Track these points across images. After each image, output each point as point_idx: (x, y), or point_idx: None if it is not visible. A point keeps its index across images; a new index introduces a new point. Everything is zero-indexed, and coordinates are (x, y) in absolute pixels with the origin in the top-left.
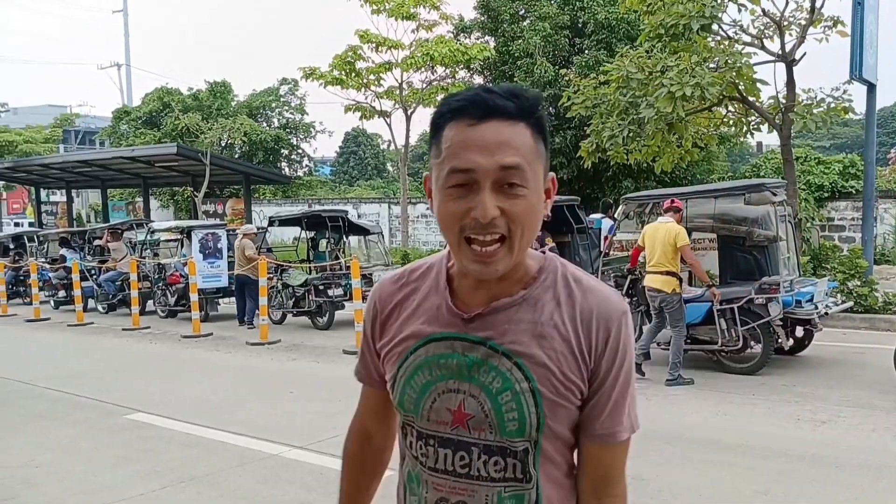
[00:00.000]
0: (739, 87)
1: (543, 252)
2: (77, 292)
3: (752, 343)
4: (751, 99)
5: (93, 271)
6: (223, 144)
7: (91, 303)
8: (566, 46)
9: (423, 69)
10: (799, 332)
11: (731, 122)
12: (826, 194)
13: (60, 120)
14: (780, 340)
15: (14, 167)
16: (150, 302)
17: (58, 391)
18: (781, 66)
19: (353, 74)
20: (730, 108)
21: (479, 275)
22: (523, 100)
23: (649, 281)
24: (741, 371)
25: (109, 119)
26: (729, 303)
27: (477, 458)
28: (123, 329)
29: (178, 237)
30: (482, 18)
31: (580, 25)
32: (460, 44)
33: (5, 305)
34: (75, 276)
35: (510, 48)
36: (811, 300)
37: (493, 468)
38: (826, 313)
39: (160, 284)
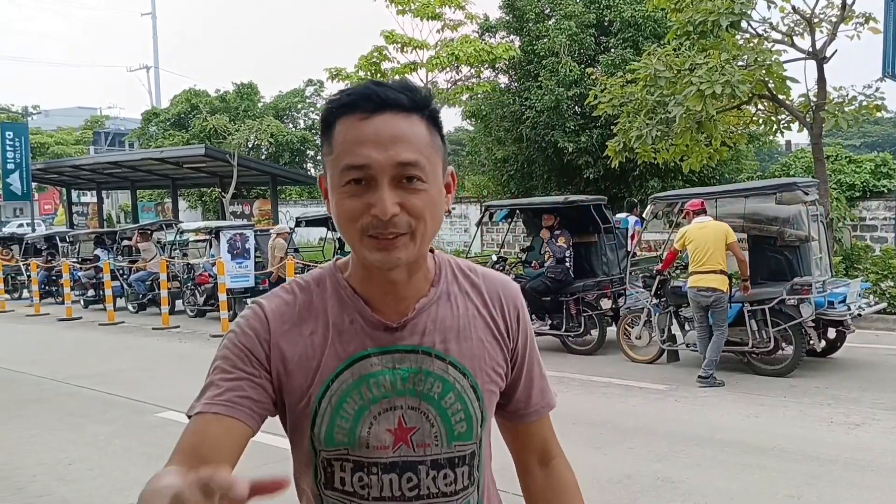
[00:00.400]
0: (769, 85)
1: (564, 252)
2: (108, 292)
3: (784, 345)
4: (780, 97)
5: (122, 271)
6: (250, 146)
7: (119, 302)
8: (592, 45)
9: (448, 69)
10: (831, 333)
11: (760, 120)
12: (857, 193)
13: (91, 122)
14: (811, 342)
15: (46, 168)
16: (179, 301)
17: (90, 389)
18: (812, 64)
19: (379, 75)
20: (759, 106)
21: (382, 264)
22: (416, 92)
23: (703, 281)
24: (772, 373)
25: (139, 121)
26: (760, 304)
27: (425, 475)
28: (153, 328)
29: (207, 237)
30: (507, 18)
31: (606, 24)
32: (485, 43)
33: (38, 305)
34: (106, 276)
35: (535, 47)
36: (844, 301)
37: (443, 482)
38: (859, 314)
39: (189, 284)
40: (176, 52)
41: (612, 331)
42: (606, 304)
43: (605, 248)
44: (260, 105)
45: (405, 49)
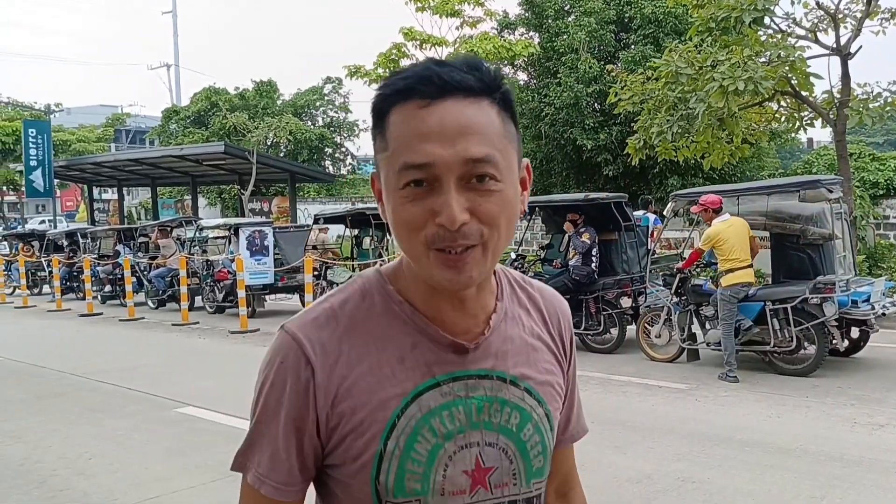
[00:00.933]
0: (792, 82)
1: (589, 248)
2: (129, 288)
3: (806, 344)
4: (804, 94)
5: (142, 267)
6: (269, 143)
7: (136, 297)
8: (612, 42)
9: None
10: (854, 333)
11: (782, 117)
12: (881, 191)
13: (112, 119)
14: (834, 341)
15: (68, 166)
16: (198, 298)
17: (110, 384)
18: (836, 60)
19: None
20: (782, 102)
21: (451, 284)
22: (485, 72)
23: (741, 277)
24: (794, 373)
25: (159, 118)
26: (782, 303)
27: None
28: (173, 324)
29: (226, 234)
30: (526, 14)
31: (626, 20)
32: (504, 40)
33: (60, 300)
34: (127, 273)
35: (554, 44)
36: (868, 300)
37: None
38: (883, 314)
39: (208, 281)
40: (196, 50)
41: (631, 329)
42: (626, 302)
43: (626, 246)
44: (279, 103)
45: (424, 46)
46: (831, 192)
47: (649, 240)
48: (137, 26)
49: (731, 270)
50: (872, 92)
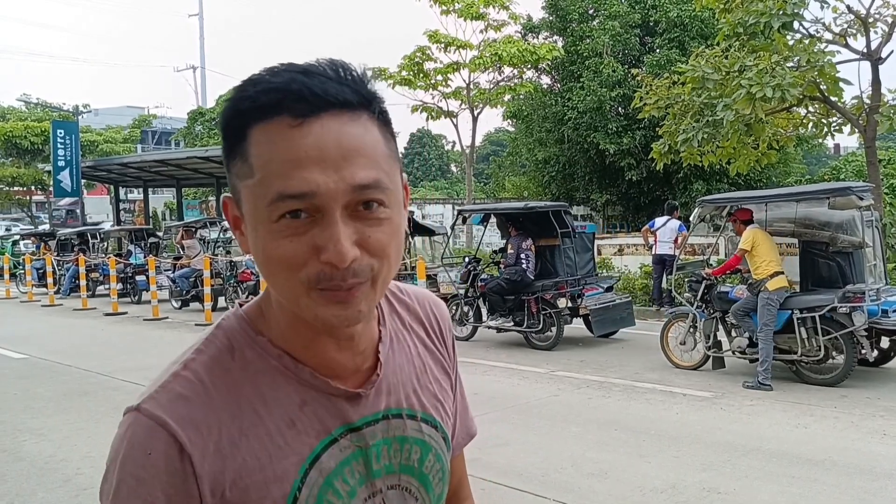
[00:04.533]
0: (821, 87)
1: (518, 254)
2: (153, 287)
3: (834, 353)
4: (833, 99)
5: (159, 266)
6: None
7: (144, 296)
8: (636, 45)
9: (490, 69)
10: (885, 342)
11: (810, 122)
12: None
13: (138, 121)
14: (864, 351)
15: (95, 166)
16: (221, 298)
17: (134, 384)
18: (866, 65)
19: (421, 75)
20: (810, 108)
21: (338, 321)
22: (359, 80)
23: (781, 282)
24: (821, 382)
25: (185, 120)
26: (810, 311)
27: None
28: (196, 324)
29: None
30: (550, 18)
31: (651, 24)
32: (528, 44)
33: (85, 299)
34: (152, 272)
35: (578, 48)
36: None
37: None
38: None
39: (232, 281)
40: (222, 52)
41: (569, 328)
42: (572, 303)
43: (568, 250)
44: None
45: (448, 49)
46: (862, 199)
47: (673, 244)
48: (164, 29)
49: (775, 274)
50: None
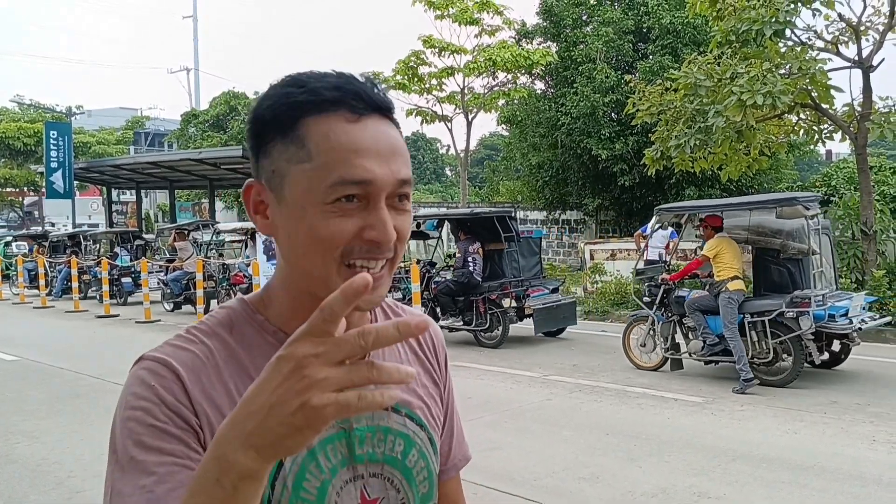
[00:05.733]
0: (812, 95)
1: (465, 257)
2: (145, 290)
3: (784, 356)
4: (824, 106)
5: (154, 269)
6: None
7: (130, 298)
8: (630, 52)
9: (484, 74)
10: (836, 345)
11: (801, 129)
12: None
13: (131, 122)
14: (811, 354)
15: (87, 167)
16: (214, 301)
17: None
18: (857, 73)
19: (416, 79)
20: (801, 115)
21: (363, 304)
22: (387, 94)
23: (739, 285)
24: (772, 383)
25: (178, 122)
26: (760, 315)
27: None
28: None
29: (243, 238)
30: (544, 24)
31: (644, 30)
32: (522, 49)
33: (77, 301)
34: (144, 275)
35: (572, 53)
36: (846, 314)
37: None
38: (860, 328)
39: (224, 284)
40: (216, 54)
41: (514, 327)
42: (517, 303)
43: (517, 254)
44: None
45: (443, 54)
46: (808, 208)
47: (664, 251)
48: (158, 30)
49: (735, 278)
50: (894, 105)
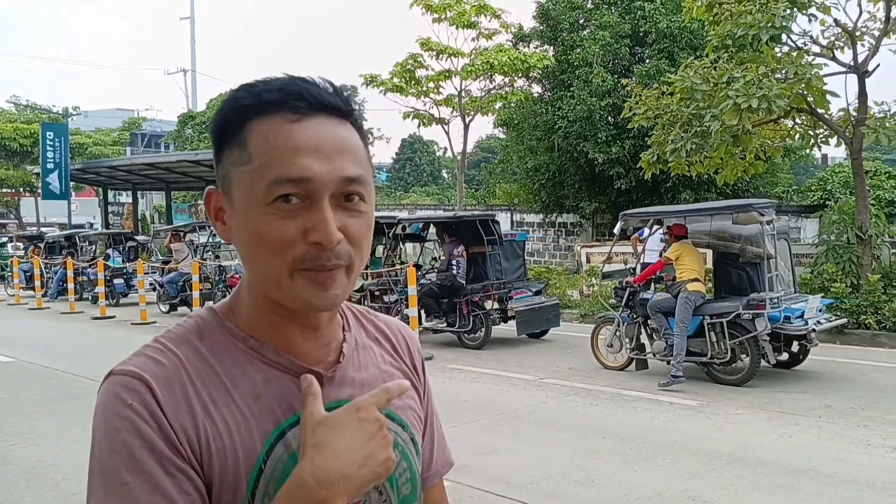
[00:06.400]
0: (808, 99)
1: (449, 260)
2: (142, 291)
3: (742, 356)
4: (820, 111)
5: (126, 270)
6: None
7: (122, 299)
8: (626, 55)
9: (481, 77)
10: (795, 346)
11: (797, 134)
12: None
13: (128, 123)
14: (768, 355)
15: (84, 168)
16: (209, 302)
17: None
18: (853, 78)
19: (413, 82)
20: (797, 120)
21: (319, 303)
22: (343, 95)
23: (698, 287)
24: (730, 382)
25: (175, 123)
26: (719, 317)
27: None
28: None
29: None
30: (541, 27)
31: (641, 34)
32: (519, 52)
33: (73, 303)
34: (140, 276)
35: (569, 57)
36: (801, 316)
37: None
38: (814, 330)
39: (220, 286)
40: (213, 56)
41: (496, 329)
42: (500, 305)
43: (500, 257)
44: None
45: (440, 57)
46: (763, 214)
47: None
48: (155, 31)
49: (694, 280)
50: (889, 110)
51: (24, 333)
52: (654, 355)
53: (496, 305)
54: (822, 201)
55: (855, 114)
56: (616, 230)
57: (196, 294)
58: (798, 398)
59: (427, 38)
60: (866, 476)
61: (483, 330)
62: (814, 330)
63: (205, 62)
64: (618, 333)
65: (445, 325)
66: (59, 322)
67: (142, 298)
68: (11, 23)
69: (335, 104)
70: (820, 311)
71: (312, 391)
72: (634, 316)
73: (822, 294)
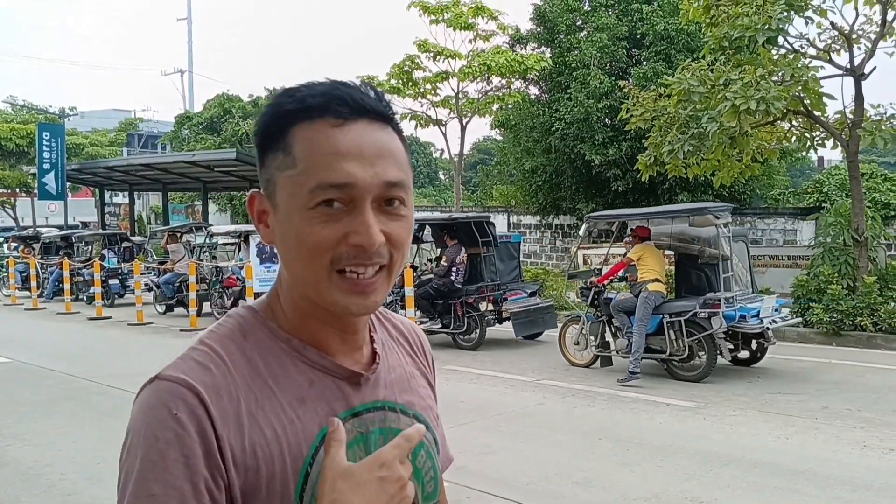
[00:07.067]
0: (805, 102)
1: (453, 270)
2: (138, 292)
3: (699, 353)
4: (816, 113)
5: (121, 270)
6: None
7: (117, 299)
8: (623, 57)
9: (479, 79)
10: (754, 344)
11: (794, 136)
12: (893, 212)
13: (125, 124)
14: (723, 351)
15: (80, 169)
16: (206, 304)
17: (120, 389)
18: (849, 81)
19: (411, 83)
20: (793, 122)
21: (358, 309)
22: (384, 99)
23: (658, 287)
24: (688, 378)
25: (172, 124)
26: (678, 315)
27: None
28: (181, 330)
29: (236, 241)
30: (539, 29)
31: (638, 36)
32: (517, 54)
33: (69, 303)
34: (137, 277)
35: (566, 59)
36: (757, 315)
37: None
38: (768, 328)
39: (217, 287)
40: (210, 57)
41: (491, 330)
42: (495, 307)
43: (493, 258)
44: None
45: (437, 58)
46: (718, 217)
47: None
48: (152, 32)
49: (655, 280)
50: (886, 113)
51: (20, 334)
52: (617, 353)
53: (491, 307)
54: (818, 204)
55: (851, 116)
56: (581, 233)
57: (193, 295)
58: (795, 400)
59: (424, 40)
60: (863, 477)
61: (478, 331)
62: (768, 328)
63: (202, 63)
64: (583, 331)
65: (440, 326)
66: (56, 323)
67: (138, 299)
68: (9, 23)
69: (377, 109)
70: (776, 310)
71: (338, 437)
72: (599, 315)
73: (819, 295)
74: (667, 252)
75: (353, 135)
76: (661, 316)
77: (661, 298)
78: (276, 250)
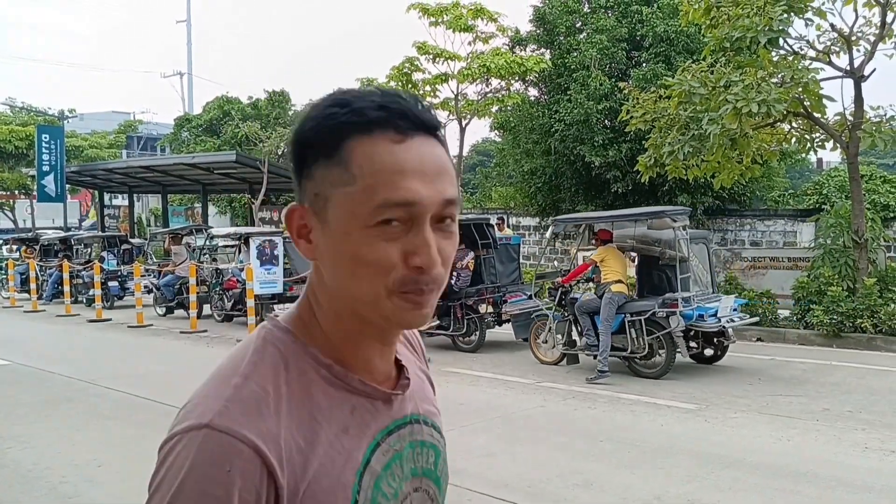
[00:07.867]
0: (805, 103)
1: (453, 273)
2: (138, 294)
3: (659, 351)
4: (816, 115)
5: (120, 273)
6: (280, 153)
7: (116, 301)
8: (623, 59)
9: (478, 81)
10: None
11: (793, 138)
12: (892, 214)
13: (124, 126)
14: (681, 349)
15: (80, 171)
16: (206, 306)
17: (119, 391)
18: (849, 82)
19: (410, 85)
20: (793, 124)
21: (413, 323)
22: (431, 109)
23: (620, 288)
24: (649, 375)
25: (171, 126)
26: (638, 314)
27: None
28: (181, 332)
29: (236, 243)
30: (538, 31)
31: (638, 38)
32: (516, 56)
33: (69, 305)
34: (137, 279)
35: (566, 60)
36: (715, 315)
37: None
38: (724, 328)
39: (217, 289)
40: (209, 59)
41: (491, 332)
42: (495, 309)
43: (494, 260)
44: (291, 113)
45: (437, 60)
46: (676, 220)
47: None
48: (152, 34)
49: (618, 281)
50: (885, 115)
51: (19, 336)
52: (582, 350)
53: (490, 309)
54: (818, 205)
55: (851, 118)
56: (548, 234)
57: (193, 297)
58: (796, 401)
59: (423, 42)
60: (864, 479)
61: (477, 333)
62: (724, 328)
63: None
64: (550, 330)
65: (438, 328)
66: (56, 325)
67: (138, 301)
68: (8, 24)
69: (431, 123)
70: (734, 310)
71: None
72: (565, 314)
73: (820, 297)
74: (631, 253)
75: (413, 151)
76: (623, 315)
77: (623, 299)
78: (321, 266)
